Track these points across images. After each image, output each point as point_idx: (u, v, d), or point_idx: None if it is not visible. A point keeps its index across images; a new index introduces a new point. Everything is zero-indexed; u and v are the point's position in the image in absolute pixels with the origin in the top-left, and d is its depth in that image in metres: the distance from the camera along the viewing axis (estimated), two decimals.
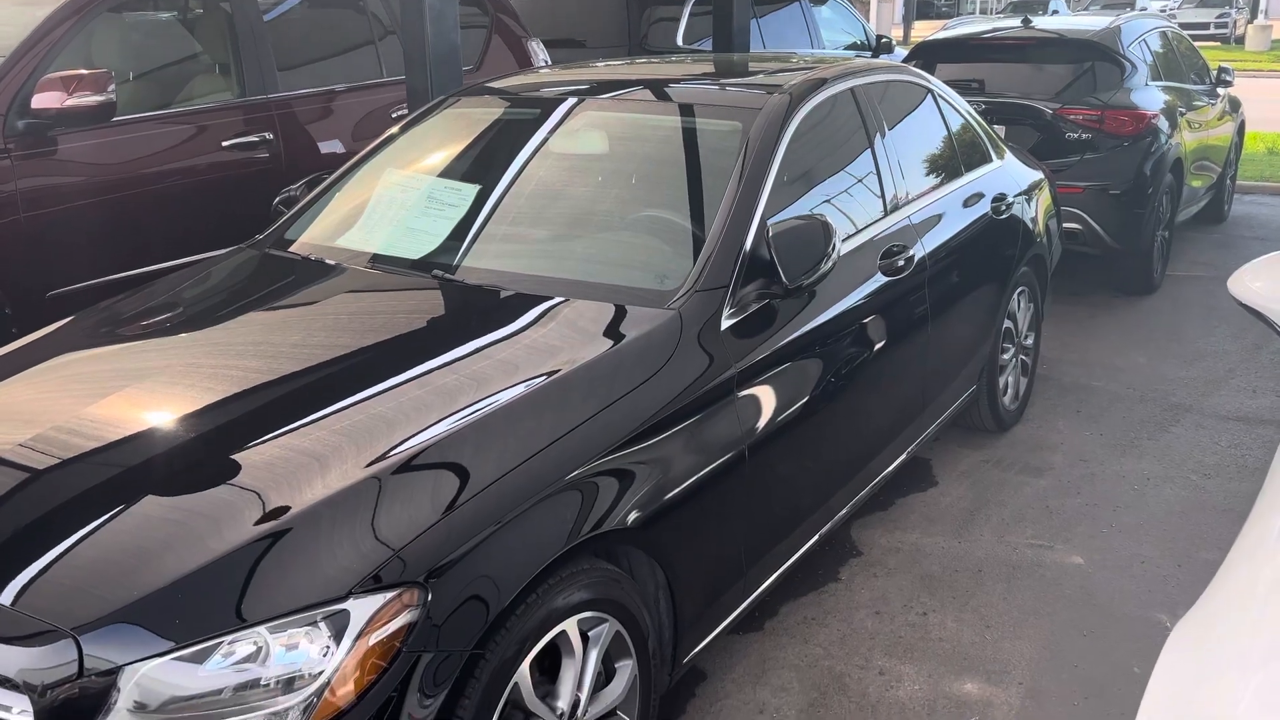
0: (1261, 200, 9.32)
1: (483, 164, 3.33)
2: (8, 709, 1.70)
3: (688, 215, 2.90)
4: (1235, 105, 8.20)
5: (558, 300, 2.58)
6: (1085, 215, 5.88)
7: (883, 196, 3.38)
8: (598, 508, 2.08)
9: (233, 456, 2.04)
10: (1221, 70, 7.72)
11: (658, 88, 3.38)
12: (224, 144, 4.55)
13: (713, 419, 2.43)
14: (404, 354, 2.42)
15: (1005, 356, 4.26)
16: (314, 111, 4.96)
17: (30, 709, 1.67)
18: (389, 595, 1.76)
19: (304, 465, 1.99)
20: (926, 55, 6.67)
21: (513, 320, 2.53)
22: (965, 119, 4.18)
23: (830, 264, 2.65)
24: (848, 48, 9.03)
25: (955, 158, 3.98)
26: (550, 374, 2.25)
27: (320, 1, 5.27)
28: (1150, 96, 6.19)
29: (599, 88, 3.41)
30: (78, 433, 2.16)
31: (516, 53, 6.08)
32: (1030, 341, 4.52)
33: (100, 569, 1.81)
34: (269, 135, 4.71)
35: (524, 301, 2.61)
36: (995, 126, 4.61)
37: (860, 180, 3.33)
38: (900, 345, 3.28)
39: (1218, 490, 3.85)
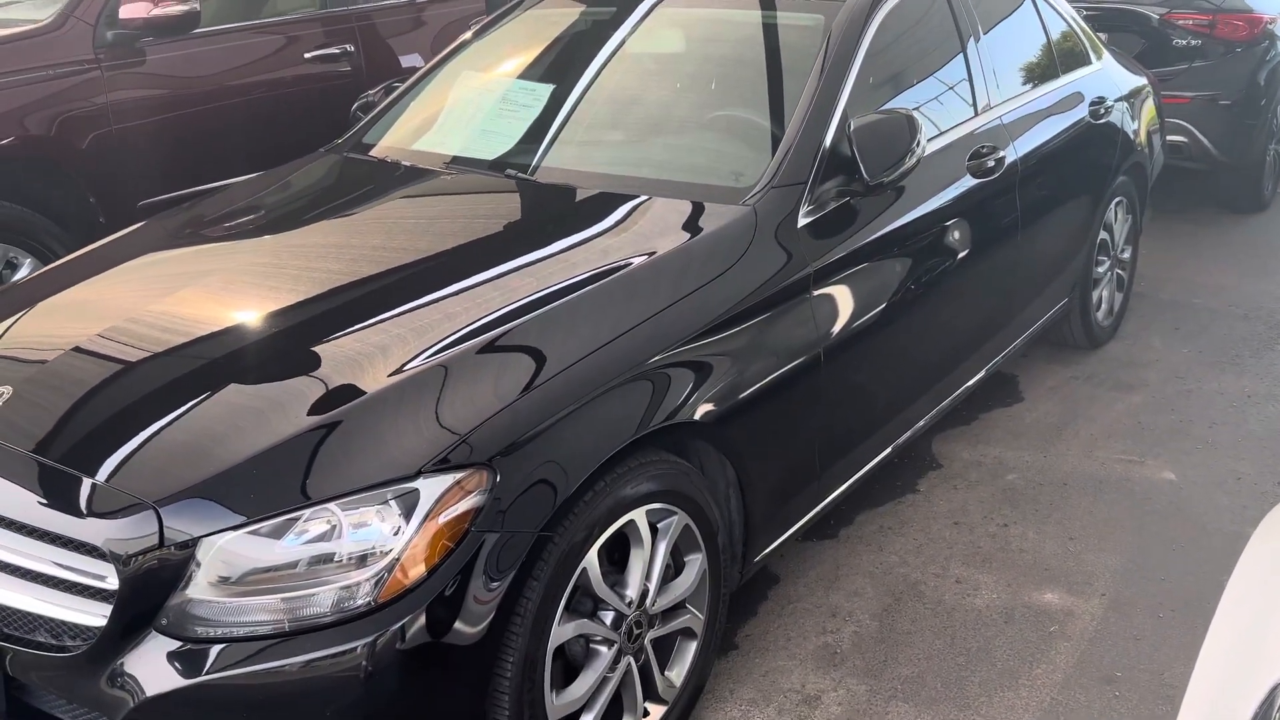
0: None
1: (559, 65, 3.28)
2: (101, 578, 1.77)
3: (767, 113, 2.81)
4: None
5: (632, 198, 2.54)
6: (1191, 127, 5.57)
7: (973, 96, 3.23)
8: (669, 400, 2.06)
9: (310, 349, 2.07)
10: None
11: None
12: (306, 56, 4.57)
13: (787, 317, 2.38)
14: (480, 252, 2.41)
15: (1100, 269, 4.09)
16: (394, 24, 4.95)
17: (117, 577, 1.73)
18: (457, 476, 1.77)
19: (378, 355, 2.00)
20: None
21: (587, 218, 2.51)
22: (1064, 19, 3.97)
23: (914, 160, 2.56)
24: None
25: (1053, 59, 3.79)
26: (621, 267, 2.22)
27: None
28: None
29: None
30: (163, 326, 2.21)
31: None
32: (1127, 255, 4.33)
33: (183, 448, 1.86)
34: (350, 47, 4.71)
35: (598, 200, 2.58)
36: (1097, 34, 4.38)
37: (949, 78, 3.19)
38: (987, 252, 3.16)
39: None
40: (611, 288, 2.17)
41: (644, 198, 2.54)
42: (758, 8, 3.10)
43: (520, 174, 2.77)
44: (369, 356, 2.00)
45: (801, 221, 2.50)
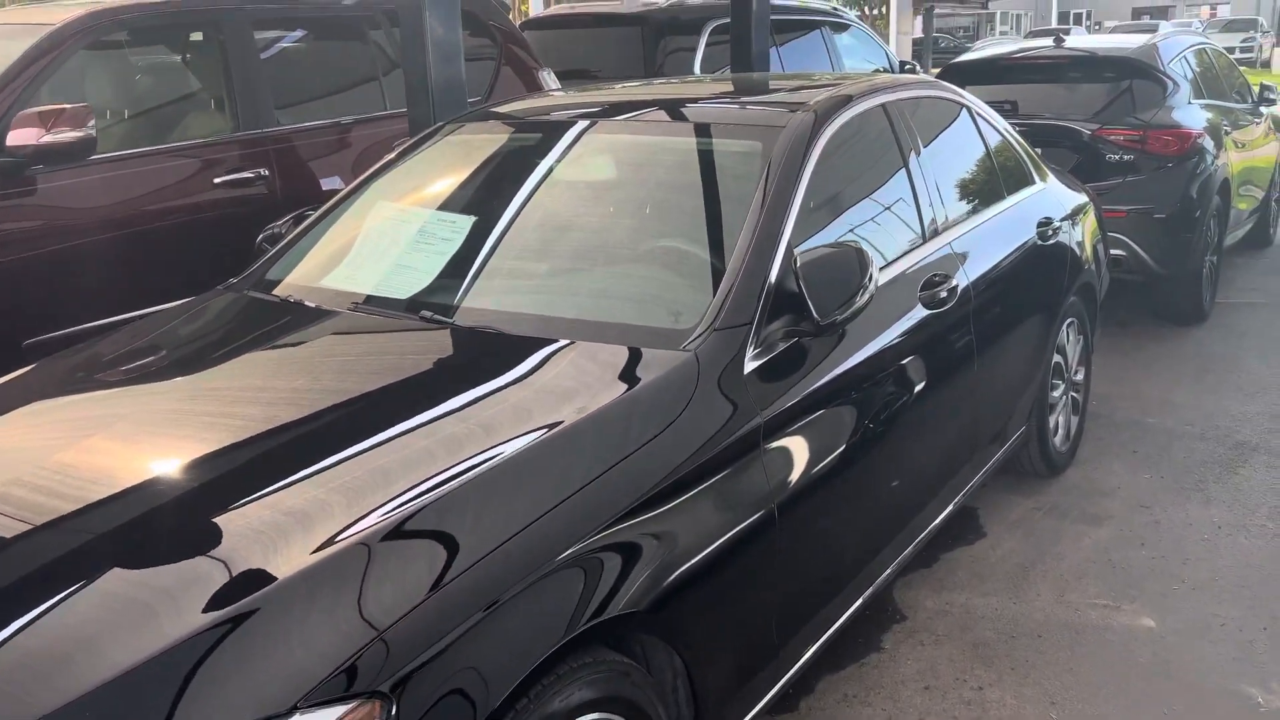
0: None
1: (483, 194, 3.06)
2: None
3: (705, 245, 2.60)
4: (1278, 124, 7.86)
5: (559, 344, 2.29)
6: (1129, 241, 5.54)
7: (920, 221, 3.07)
8: (602, 589, 1.76)
9: (195, 531, 1.76)
10: (1264, 88, 7.39)
11: (671, 108, 3.11)
12: (216, 181, 4.31)
13: (737, 477, 2.11)
14: (382, 415, 2.08)
15: (1055, 394, 3.92)
16: (313, 146, 4.72)
17: None
18: (342, 709, 1.44)
19: (263, 544, 1.69)
20: (956, 77, 6.37)
21: (508, 368, 2.23)
22: (1005, 137, 3.87)
23: (866, 297, 2.35)
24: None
25: (996, 179, 3.67)
26: (545, 431, 1.94)
27: (322, 34, 5.05)
28: (1193, 115, 5.87)
29: (609, 110, 3.15)
30: (44, 489, 1.91)
31: (528, 83, 5.84)
32: (1080, 377, 4.18)
33: (20, 674, 1.51)
34: (264, 171, 4.47)
35: (521, 346, 2.32)
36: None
37: (895, 204, 3.03)
38: (945, 384, 2.95)
39: None
40: (535, 456, 1.88)
41: (573, 344, 2.28)
42: (692, 134, 2.92)
43: (437, 316, 2.50)
44: (249, 546, 1.69)
45: (748, 367, 2.26)
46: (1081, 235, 4.09)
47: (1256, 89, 7.44)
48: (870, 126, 3.07)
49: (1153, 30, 17.22)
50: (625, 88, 3.67)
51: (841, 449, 2.45)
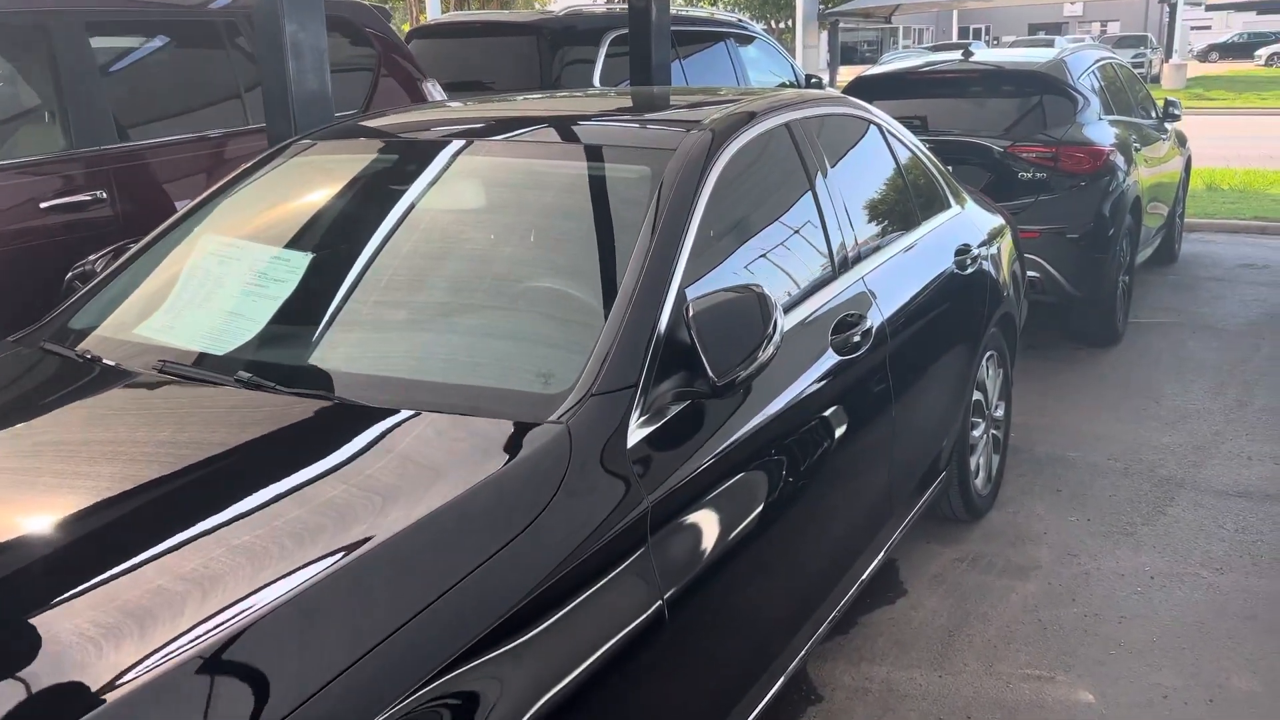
0: (1208, 238, 8.98)
1: (329, 226, 2.63)
2: None
3: (583, 289, 2.22)
4: (1182, 140, 7.83)
5: (403, 416, 1.88)
6: (1043, 262, 5.35)
7: (830, 254, 2.75)
8: None
9: None
10: (1169, 104, 7.33)
11: (554, 126, 2.73)
12: (43, 206, 3.80)
13: (618, 581, 1.73)
14: (176, 517, 1.64)
15: (975, 433, 3.65)
16: (162, 166, 4.22)
17: None
18: None
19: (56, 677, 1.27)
20: (862, 92, 6.13)
21: (334, 452, 1.81)
22: (918, 157, 3.59)
23: (771, 349, 1.99)
24: (777, 88, 8.53)
25: (911, 204, 3.38)
26: (373, 539, 1.54)
27: (174, 40, 4.55)
28: (1104, 131, 5.72)
29: (485, 127, 2.76)
30: None
31: (411, 95, 5.41)
32: (1001, 413, 3.91)
33: None
34: (102, 194, 3.96)
35: (357, 419, 1.90)
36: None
37: (802, 236, 2.69)
38: (860, 438, 2.63)
39: (1234, 589, 3.24)
40: (360, 573, 1.48)
41: (418, 414, 1.88)
42: (574, 157, 2.54)
43: (257, 379, 2.07)
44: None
45: (633, 438, 1.89)
46: (1000, 262, 3.83)
47: (1161, 104, 7.37)
48: (774, 147, 2.74)
49: (1049, 45, 17.46)
50: (509, 102, 3.28)
51: (746, 525, 2.10)
